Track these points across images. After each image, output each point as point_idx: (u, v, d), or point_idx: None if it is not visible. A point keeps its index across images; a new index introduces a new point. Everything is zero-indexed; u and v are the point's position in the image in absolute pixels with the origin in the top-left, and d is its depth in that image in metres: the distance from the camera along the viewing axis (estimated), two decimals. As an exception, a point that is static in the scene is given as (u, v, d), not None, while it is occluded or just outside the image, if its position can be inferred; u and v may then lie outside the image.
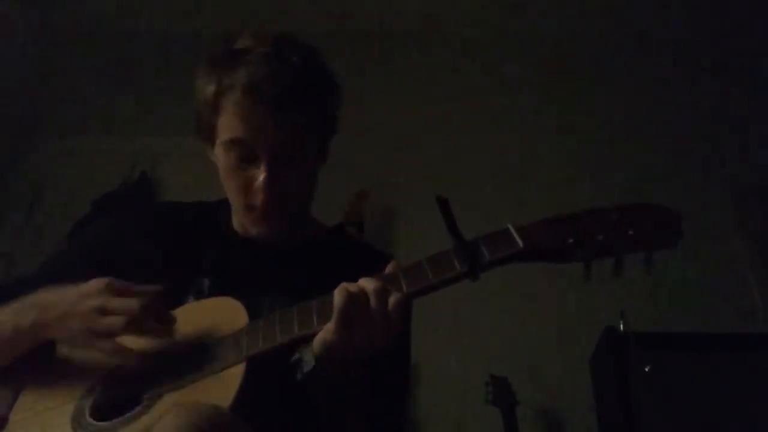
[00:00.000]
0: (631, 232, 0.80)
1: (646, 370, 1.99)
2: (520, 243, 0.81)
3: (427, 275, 0.83)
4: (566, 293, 2.49)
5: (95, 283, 0.93)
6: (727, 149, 2.87)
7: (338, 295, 0.82)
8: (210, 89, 1.01)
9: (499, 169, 2.89)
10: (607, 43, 3.14)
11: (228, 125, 1.00)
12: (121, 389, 0.92)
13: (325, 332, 0.84)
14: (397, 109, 3.05)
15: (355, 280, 0.86)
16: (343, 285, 0.83)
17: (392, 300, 0.82)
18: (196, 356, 0.89)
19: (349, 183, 2.63)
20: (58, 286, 0.96)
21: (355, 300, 0.81)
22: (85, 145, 3.03)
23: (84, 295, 0.92)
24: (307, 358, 0.87)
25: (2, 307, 0.98)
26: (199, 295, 1.04)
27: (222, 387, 0.83)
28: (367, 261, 1.08)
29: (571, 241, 0.80)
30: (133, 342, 0.97)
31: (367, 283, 0.83)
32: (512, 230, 0.82)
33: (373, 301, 0.81)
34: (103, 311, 0.90)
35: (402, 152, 2.94)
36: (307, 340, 0.93)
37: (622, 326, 2.11)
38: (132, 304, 0.90)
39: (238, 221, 1.13)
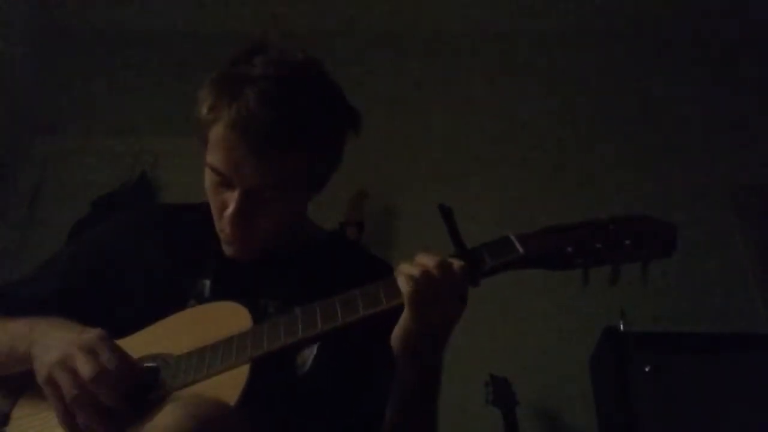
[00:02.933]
0: (627, 242, 0.82)
1: (646, 370, 1.99)
2: (521, 250, 0.83)
3: None
4: (566, 293, 2.49)
5: (89, 344, 0.86)
6: (727, 149, 2.88)
7: (405, 284, 0.81)
8: (204, 108, 0.99)
9: (498, 169, 2.89)
10: (606, 44, 3.15)
11: (212, 150, 0.98)
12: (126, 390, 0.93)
13: (403, 323, 0.84)
14: (397, 110, 3.05)
15: (353, 285, 0.87)
16: (404, 270, 0.82)
17: (456, 269, 0.82)
18: (201, 358, 0.89)
19: (349, 183, 2.63)
20: (65, 321, 0.94)
21: (423, 280, 0.81)
22: (85, 145, 3.03)
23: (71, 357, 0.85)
24: (302, 358, 0.87)
25: (6, 323, 0.98)
26: (200, 297, 1.04)
27: (227, 387, 0.83)
28: (364, 266, 1.08)
29: (570, 249, 0.83)
30: (142, 340, 0.97)
31: (427, 260, 0.82)
32: (513, 238, 0.85)
33: (438, 275, 0.81)
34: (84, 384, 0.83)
35: (402, 152, 2.94)
36: (312, 342, 0.93)
37: (622, 326, 2.11)
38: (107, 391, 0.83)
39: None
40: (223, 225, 1.01)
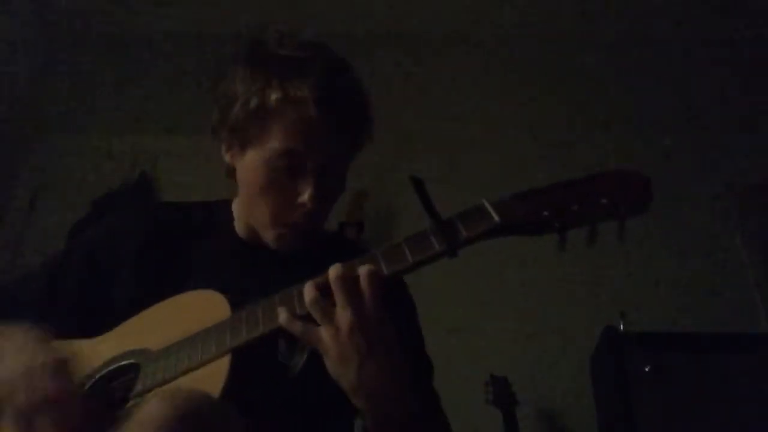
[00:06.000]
0: (604, 201, 0.79)
1: (646, 370, 1.99)
2: (496, 218, 0.81)
3: (406, 255, 0.84)
4: (566, 293, 2.49)
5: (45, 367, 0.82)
6: (728, 149, 2.88)
7: (308, 293, 0.82)
8: (272, 97, 0.96)
9: (497, 168, 2.89)
10: (604, 41, 3.14)
11: (284, 134, 0.97)
12: (109, 388, 0.92)
13: (330, 360, 0.82)
14: (397, 109, 3.05)
15: None
16: (310, 287, 0.83)
17: (363, 275, 0.82)
18: (181, 350, 0.88)
19: (349, 183, 2.63)
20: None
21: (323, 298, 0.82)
22: (85, 145, 3.03)
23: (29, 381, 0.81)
24: (296, 359, 0.86)
25: None
26: None
27: (209, 379, 0.82)
28: None
29: (546, 213, 0.81)
30: (121, 335, 0.96)
31: (330, 273, 0.83)
32: (488, 205, 0.83)
33: (340, 289, 0.81)
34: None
35: (402, 152, 2.94)
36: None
37: (622, 326, 2.11)
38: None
39: (245, 228, 1.11)
40: (292, 216, 1.01)
